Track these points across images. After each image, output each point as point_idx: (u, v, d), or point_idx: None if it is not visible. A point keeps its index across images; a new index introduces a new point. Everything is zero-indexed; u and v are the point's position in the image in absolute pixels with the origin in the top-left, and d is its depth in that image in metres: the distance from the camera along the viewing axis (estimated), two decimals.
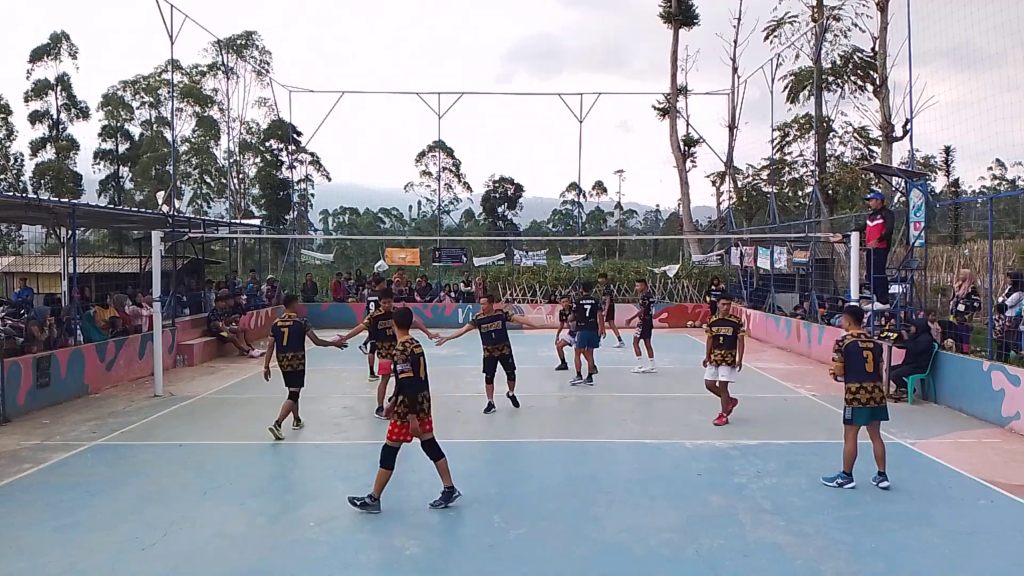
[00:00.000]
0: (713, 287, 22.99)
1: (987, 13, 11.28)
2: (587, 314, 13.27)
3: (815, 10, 24.24)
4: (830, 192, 24.43)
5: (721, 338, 10.18)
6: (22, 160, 46.18)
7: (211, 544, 6.17)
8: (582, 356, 13.47)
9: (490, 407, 11.06)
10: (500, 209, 56.27)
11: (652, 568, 5.73)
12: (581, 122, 27.71)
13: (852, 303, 10.77)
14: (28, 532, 6.44)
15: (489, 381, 11.11)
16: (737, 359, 10.17)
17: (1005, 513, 6.92)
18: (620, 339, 18.07)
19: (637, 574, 5.64)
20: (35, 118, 45.87)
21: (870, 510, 6.94)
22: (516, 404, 11.27)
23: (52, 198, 23.58)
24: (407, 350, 6.95)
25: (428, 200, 57.20)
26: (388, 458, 6.91)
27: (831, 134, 26.07)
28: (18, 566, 5.75)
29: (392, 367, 7.00)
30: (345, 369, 15.50)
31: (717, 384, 10.34)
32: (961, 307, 12.99)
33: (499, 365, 11.15)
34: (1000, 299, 12.46)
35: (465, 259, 25.79)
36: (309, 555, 5.95)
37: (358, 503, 6.88)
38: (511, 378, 11.34)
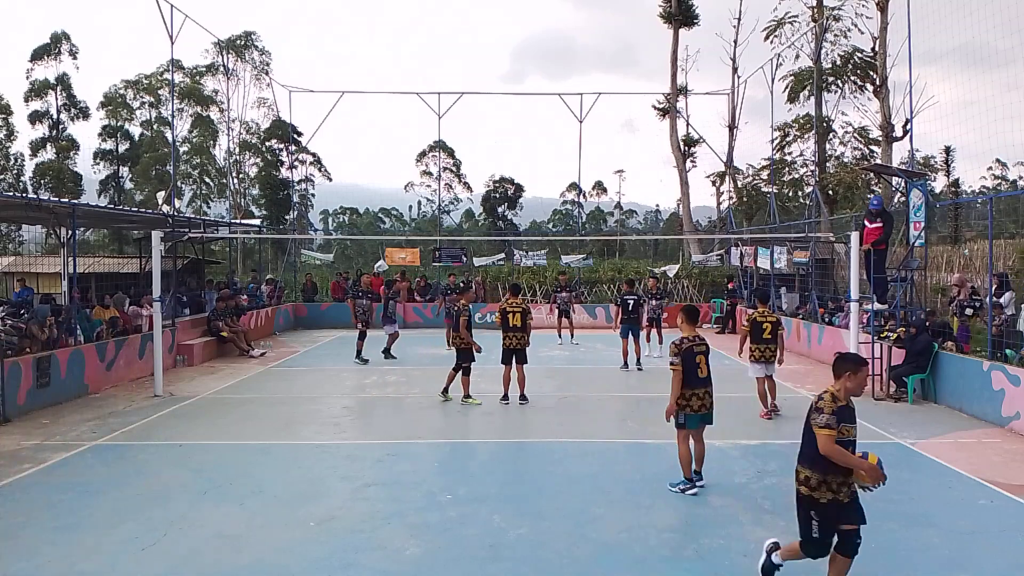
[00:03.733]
0: (729, 287, 23.50)
1: (988, 13, 11.27)
2: (630, 308, 15.10)
3: (815, 10, 24.22)
4: (830, 192, 24.40)
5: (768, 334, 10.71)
6: (22, 160, 46.21)
7: (211, 544, 6.17)
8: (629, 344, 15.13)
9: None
10: (500, 209, 56.30)
11: (652, 568, 5.73)
12: (581, 122, 27.70)
13: (690, 304, 10.92)
14: (28, 532, 6.43)
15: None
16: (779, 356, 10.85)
17: (1005, 513, 6.92)
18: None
19: (637, 574, 5.64)
20: (35, 118, 45.87)
21: (870, 510, 6.87)
22: None
23: (52, 198, 23.57)
24: None
25: (428, 200, 57.27)
26: None
27: (831, 134, 26.04)
28: (18, 566, 5.75)
29: None
30: (345, 369, 15.52)
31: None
32: (969, 311, 13.00)
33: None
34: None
35: (465, 259, 25.79)
36: (309, 555, 5.95)
37: None
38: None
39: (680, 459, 7.35)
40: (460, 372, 11.84)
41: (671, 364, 7.19)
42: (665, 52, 31.82)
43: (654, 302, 16.89)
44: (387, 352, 16.69)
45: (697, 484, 7.37)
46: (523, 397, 11.79)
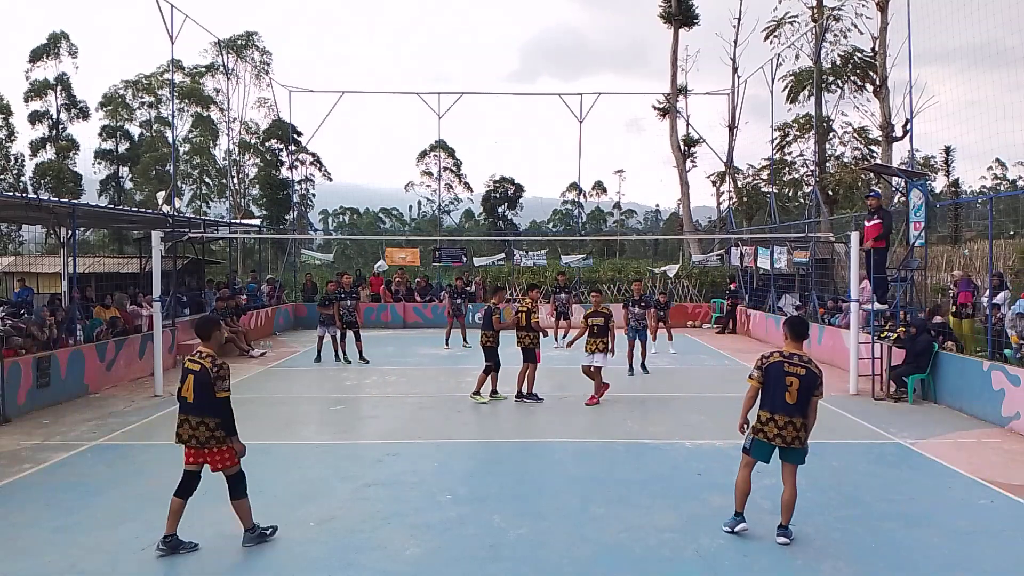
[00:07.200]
0: (731, 287, 23.48)
1: (988, 13, 11.28)
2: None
3: (815, 10, 24.23)
4: (830, 192, 24.42)
5: (595, 328, 11.47)
6: (22, 160, 46.20)
7: (211, 544, 6.16)
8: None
9: None
10: (500, 209, 56.26)
11: (652, 568, 5.73)
12: (581, 122, 27.71)
13: (796, 315, 10.62)
14: (28, 532, 6.43)
15: None
16: (609, 346, 11.51)
17: (1005, 513, 6.92)
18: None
19: (637, 574, 5.64)
20: (35, 118, 45.85)
21: (870, 510, 6.94)
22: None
23: (52, 198, 23.59)
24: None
25: (428, 200, 57.22)
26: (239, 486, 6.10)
27: (831, 134, 26.06)
28: (18, 566, 5.75)
29: None
30: (345, 369, 15.52)
31: (592, 369, 11.55)
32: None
33: None
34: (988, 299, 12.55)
35: (465, 259, 25.79)
36: (309, 555, 5.95)
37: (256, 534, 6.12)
38: None
39: (735, 488, 6.35)
40: (483, 370, 11.85)
41: (749, 376, 6.39)
42: (669, 52, 31.80)
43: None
44: (319, 357, 16.50)
45: (737, 527, 6.28)
46: (519, 395, 11.77)
